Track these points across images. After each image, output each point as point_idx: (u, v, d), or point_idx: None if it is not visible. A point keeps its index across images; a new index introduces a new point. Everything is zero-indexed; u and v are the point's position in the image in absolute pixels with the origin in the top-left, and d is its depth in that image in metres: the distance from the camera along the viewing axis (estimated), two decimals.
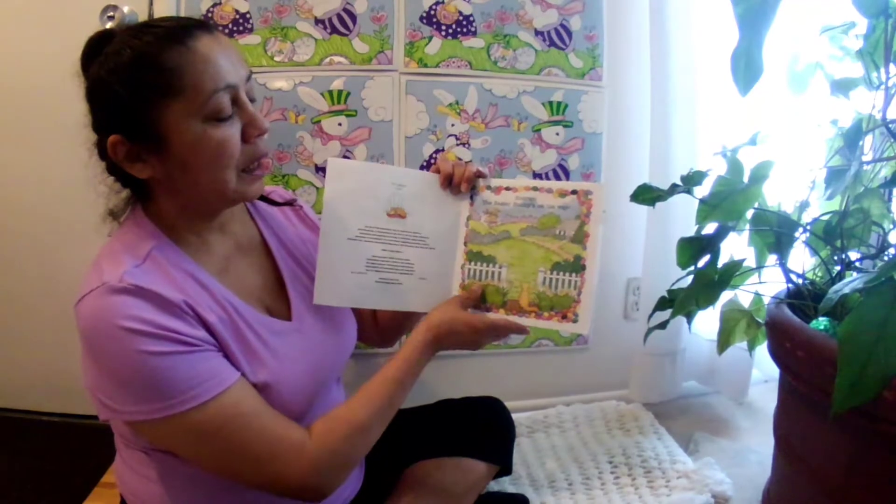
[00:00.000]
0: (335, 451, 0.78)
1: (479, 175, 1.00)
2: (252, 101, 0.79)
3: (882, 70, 1.01)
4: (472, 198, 1.01)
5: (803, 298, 1.11)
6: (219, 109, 0.73)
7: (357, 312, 1.07)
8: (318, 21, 1.36)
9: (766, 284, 1.20)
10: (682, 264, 1.14)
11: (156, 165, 0.74)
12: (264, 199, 0.97)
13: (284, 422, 0.77)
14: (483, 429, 1.14)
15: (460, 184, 0.99)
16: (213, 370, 0.73)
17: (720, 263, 1.09)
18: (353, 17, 1.36)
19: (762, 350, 1.21)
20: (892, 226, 1.08)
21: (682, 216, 1.43)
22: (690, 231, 1.16)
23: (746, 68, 0.90)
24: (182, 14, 1.31)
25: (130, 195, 0.81)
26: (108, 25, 0.73)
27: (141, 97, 0.70)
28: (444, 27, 1.40)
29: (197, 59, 0.71)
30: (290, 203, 1.01)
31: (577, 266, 0.92)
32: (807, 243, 1.15)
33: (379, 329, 1.14)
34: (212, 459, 0.75)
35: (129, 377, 0.69)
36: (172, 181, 0.76)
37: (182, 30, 0.72)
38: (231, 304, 0.79)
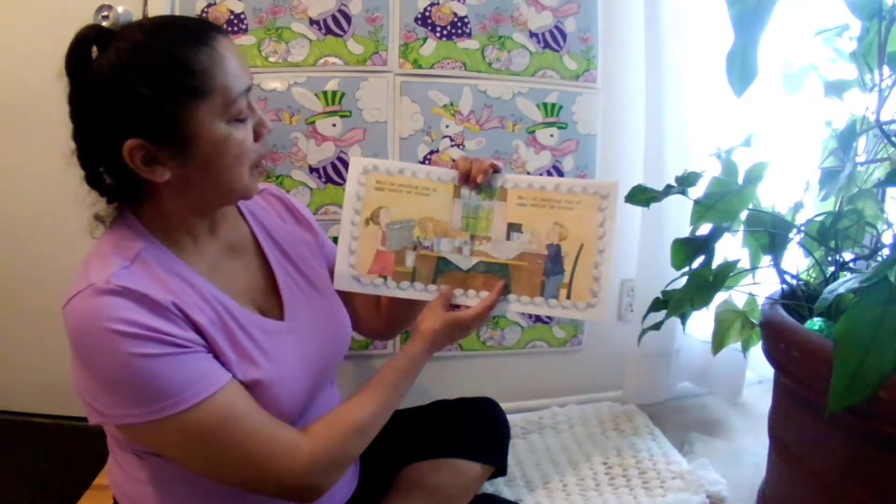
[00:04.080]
0: (331, 451, 0.79)
1: (495, 168, 1.00)
2: None
3: (875, 72, 1.01)
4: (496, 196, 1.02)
5: (797, 299, 1.12)
6: (241, 110, 0.75)
7: (360, 301, 1.07)
8: (312, 22, 1.35)
9: (760, 285, 1.20)
10: (677, 265, 1.15)
11: (174, 168, 0.73)
12: None
13: (276, 423, 0.76)
14: (478, 430, 1.13)
15: (476, 177, 0.99)
16: (204, 372, 0.72)
17: (714, 264, 1.10)
18: (348, 18, 1.36)
19: (756, 351, 1.21)
20: (885, 226, 1.09)
21: (676, 217, 1.43)
22: (685, 232, 1.17)
23: (741, 69, 0.90)
24: (177, 14, 1.30)
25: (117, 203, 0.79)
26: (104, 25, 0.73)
27: (170, 99, 0.69)
28: (438, 28, 1.39)
29: (222, 60, 0.72)
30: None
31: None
32: (801, 244, 1.15)
33: (383, 318, 1.11)
34: (204, 462, 0.74)
35: (117, 380, 0.68)
36: (188, 181, 0.75)
37: (202, 31, 0.72)
38: (221, 304, 0.78)
